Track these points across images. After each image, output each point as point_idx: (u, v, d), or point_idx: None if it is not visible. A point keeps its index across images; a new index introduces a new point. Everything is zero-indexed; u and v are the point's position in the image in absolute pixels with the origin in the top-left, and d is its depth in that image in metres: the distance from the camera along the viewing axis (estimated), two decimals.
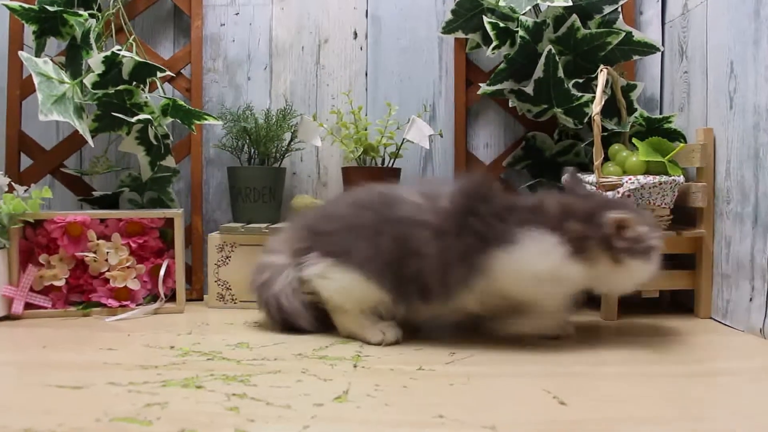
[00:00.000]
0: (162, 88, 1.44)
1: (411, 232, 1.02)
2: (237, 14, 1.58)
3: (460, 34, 1.48)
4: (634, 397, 0.82)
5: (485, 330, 1.10)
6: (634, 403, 0.80)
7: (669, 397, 0.82)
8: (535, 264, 0.99)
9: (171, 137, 1.44)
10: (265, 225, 1.39)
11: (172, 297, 1.35)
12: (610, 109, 1.40)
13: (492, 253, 0.99)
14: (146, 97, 1.34)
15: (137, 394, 0.80)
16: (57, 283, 1.27)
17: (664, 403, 0.79)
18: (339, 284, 1.07)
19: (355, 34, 1.57)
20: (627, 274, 1.03)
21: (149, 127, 1.36)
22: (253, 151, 1.48)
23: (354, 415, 0.74)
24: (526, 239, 0.99)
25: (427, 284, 1.02)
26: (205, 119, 1.38)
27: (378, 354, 1.01)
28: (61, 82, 1.26)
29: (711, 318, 1.27)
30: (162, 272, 1.32)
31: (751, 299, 1.15)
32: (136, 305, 1.31)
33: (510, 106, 1.44)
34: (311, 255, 1.10)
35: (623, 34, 1.36)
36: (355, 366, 0.94)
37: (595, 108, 1.16)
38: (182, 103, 1.35)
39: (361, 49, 1.58)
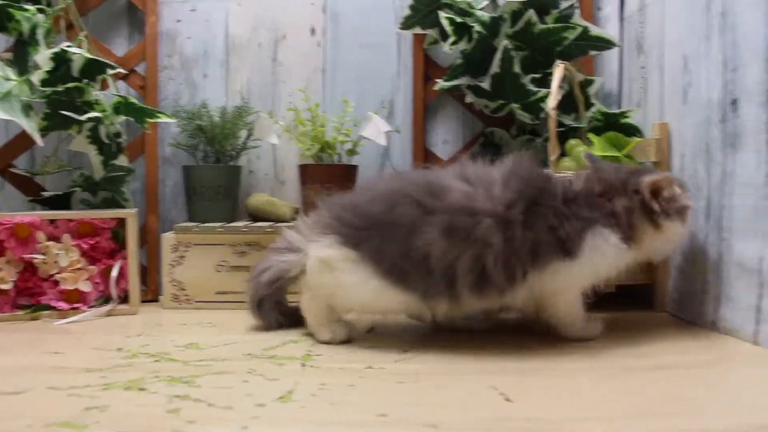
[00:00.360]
0: (114, 85, 1.41)
1: (469, 221, 0.95)
2: (193, 10, 1.55)
3: (418, 30, 1.48)
4: (583, 394, 0.81)
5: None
6: (582, 399, 0.79)
7: (620, 393, 0.81)
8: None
9: (125, 136, 1.42)
10: (219, 224, 1.37)
11: (125, 298, 1.32)
12: (568, 105, 1.40)
13: (557, 260, 0.98)
14: (97, 95, 1.32)
15: (77, 398, 0.78)
16: (4, 287, 1.23)
17: (613, 400, 0.79)
18: (346, 281, 1.00)
19: (313, 30, 1.56)
20: (666, 237, 1.04)
21: (100, 126, 1.33)
22: (208, 149, 1.46)
23: (295, 415, 0.73)
24: (588, 252, 0.99)
25: (488, 277, 0.96)
26: (158, 117, 1.35)
27: (329, 353, 1.00)
28: (7, 79, 1.23)
29: (666, 311, 1.27)
30: (114, 273, 1.30)
31: (704, 292, 1.15)
32: (88, 307, 1.28)
33: (468, 102, 1.43)
34: (328, 238, 1.02)
35: (580, 29, 1.37)
36: (303, 365, 0.93)
37: (551, 103, 1.15)
38: (134, 101, 1.33)
39: (318, 45, 1.56)
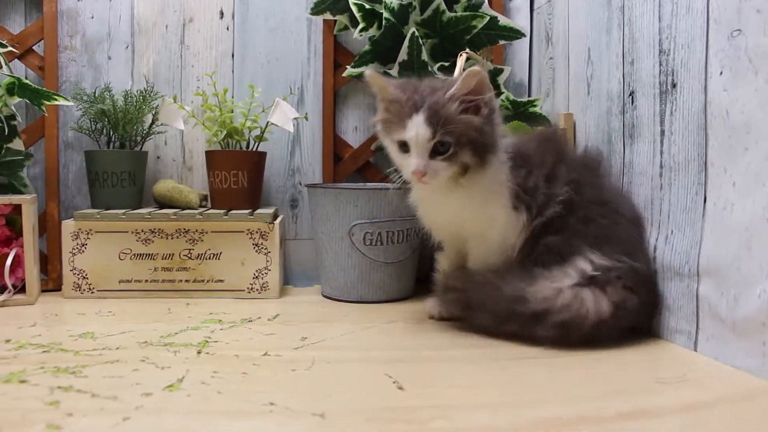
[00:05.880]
0: (7, 65, 1.34)
1: None
2: None
3: (328, 16, 1.46)
4: (473, 383, 0.82)
5: None
6: (472, 389, 0.79)
7: (505, 382, 0.83)
8: None
9: (19, 118, 1.35)
10: (123, 211, 1.33)
11: (23, 288, 1.27)
12: None
13: None
14: None
15: None
16: None
17: (500, 389, 0.80)
18: None
19: (222, 13, 1.52)
20: None
21: None
22: (112, 133, 1.41)
23: (180, 405, 0.71)
24: None
25: None
26: (56, 100, 1.30)
27: (228, 339, 0.99)
28: None
29: None
30: (8, 262, 1.24)
31: None
32: None
33: None
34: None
35: (488, 18, 1.37)
36: (199, 353, 0.91)
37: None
38: (28, 82, 1.27)
39: (227, 29, 1.52)
